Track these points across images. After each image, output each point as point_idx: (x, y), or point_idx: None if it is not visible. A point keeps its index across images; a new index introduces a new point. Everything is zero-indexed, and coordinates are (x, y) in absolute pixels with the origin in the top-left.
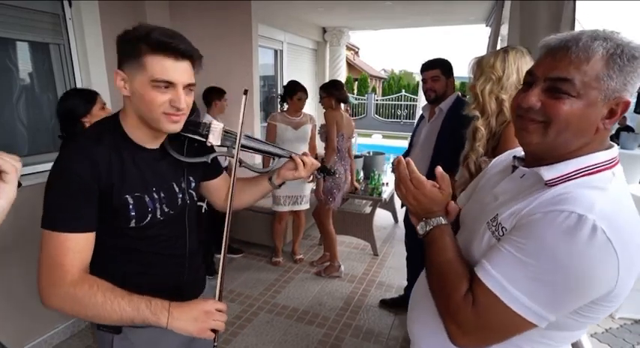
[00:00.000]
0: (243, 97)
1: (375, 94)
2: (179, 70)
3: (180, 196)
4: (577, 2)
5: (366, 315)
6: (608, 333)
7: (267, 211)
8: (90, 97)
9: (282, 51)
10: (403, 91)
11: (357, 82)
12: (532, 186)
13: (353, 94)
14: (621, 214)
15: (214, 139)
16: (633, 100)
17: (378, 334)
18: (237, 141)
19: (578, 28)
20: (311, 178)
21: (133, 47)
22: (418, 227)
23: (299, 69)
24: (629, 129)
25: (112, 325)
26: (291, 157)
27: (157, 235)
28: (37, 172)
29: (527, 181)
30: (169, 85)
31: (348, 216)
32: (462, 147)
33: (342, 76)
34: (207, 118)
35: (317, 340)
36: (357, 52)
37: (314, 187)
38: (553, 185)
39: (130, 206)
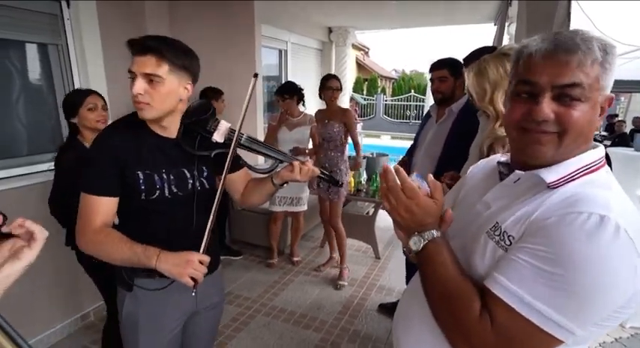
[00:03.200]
0: (253, 79)
1: (385, 94)
2: (140, 63)
3: (191, 181)
4: (587, 2)
5: (365, 320)
6: (618, 342)
7: (268, 213)
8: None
9: (286, 51)
10: (412, 91)
11: (366, 83)
12: (530, 189)
13: (362, 94)
14: (632, 213)
15: (218, 136)
16: None
17: (375, 339)
18: (236, 134)
19: (588, 27)
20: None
21: None
22: (410, 243)
23: (304, 69)
24: None
25: (123, 265)
26: (291, 163)
27: (165, 211)
28: (37, 172)
29: (524, 185)
30: (132, 74)
31: (350, 218)
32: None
33: (348, 76)
34: None
35: (313, 345)
36: (367, 53)
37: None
38: (556, 187)
39: (140, 181)
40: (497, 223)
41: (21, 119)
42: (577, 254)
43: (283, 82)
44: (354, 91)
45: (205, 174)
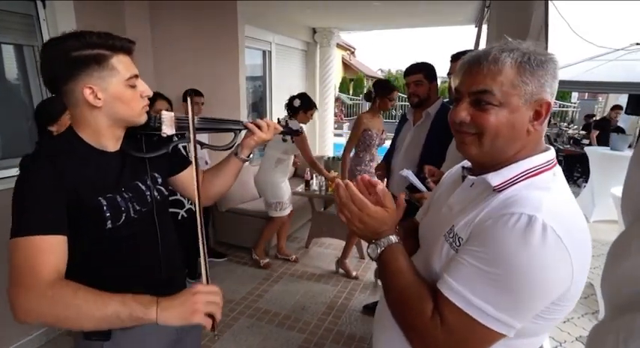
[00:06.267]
0: (188, 99)
1: None
2: (133, 64)
3: (149, 193)
4: (562, 2)
5: (349, 320)
6: None
7: (253, 214)
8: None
9: (270, 52)
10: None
11: (352, 83)
12: (482, 193)
13: (348, 94)
14: (567, 213)
15: (168, 128)
16: (623, 101)
17: (359, 339)
18: (191, 126)
19: (562, 27)
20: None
21: (93, 56)
22: (369, 251)
23: (288, 70)
24: (620, 130)
25: (96, 329)
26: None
27: (131, 235)
28: (13, 176)
29: (477, 189)
30: (136, 79)
31: (334, 218)
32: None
33: (333, 77)
34: None
35: (297, 346)
36: (353, 52)
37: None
38: (501, 190)
39: (104, 207)
40: (452, 226)
41: None
42: (510, 254)
43: (267, 83)
44: (340, 92)
45: (160, 181)
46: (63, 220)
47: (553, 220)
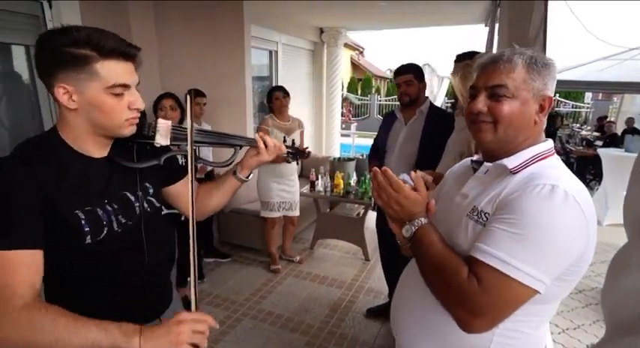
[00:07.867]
0: (187, 97)
1: (379, 94)
2: (129, 72)
3: (138, 204)
4: (576, 3)
5: (352, 323)
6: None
7: (258, 215)
8: None
9: (277, 52)
10: None
11: (360, 83)
12: (498, 176)
13: (356, 94)
14: (578, 186)
15: (162, 138)
16: (638, 103)
17: (362, 343)
18: (189, 135)
19: (575, 26)
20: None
21: (74, 56)
22: (403, 231)
23: (295, 70)
24: (636, 131)
25: None
26: (251, 145)
27: (116, 250)
28: None
29: (492, 174)
30: (125, 88)
31: (340, 220)
32: (444, 145)
33: (340, 77)
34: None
35: None
36: (361, 52)
37: (305, 190)
38: (517, 171)
39: (82, 221)
40: (474, 206)
41: (3, 121)
42: (536, 216)
43: (274, 83)
44: (348, 92)
45: (152, 191)
46: (39, 232)
47: (571, 189)
